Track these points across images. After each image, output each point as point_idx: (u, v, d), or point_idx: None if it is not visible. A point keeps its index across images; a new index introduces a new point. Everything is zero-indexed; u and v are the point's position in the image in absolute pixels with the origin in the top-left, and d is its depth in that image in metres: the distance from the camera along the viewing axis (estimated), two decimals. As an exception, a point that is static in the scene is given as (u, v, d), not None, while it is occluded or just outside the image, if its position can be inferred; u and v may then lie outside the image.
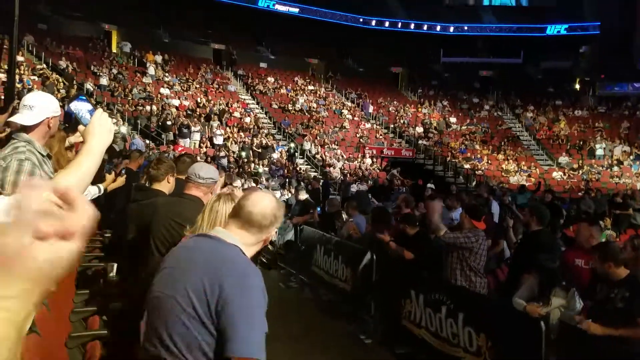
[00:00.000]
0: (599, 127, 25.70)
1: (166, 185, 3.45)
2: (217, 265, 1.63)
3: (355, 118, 25.40)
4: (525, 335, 3.55)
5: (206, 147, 17.69)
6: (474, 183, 19.87)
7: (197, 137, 17.90)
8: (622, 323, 3.24)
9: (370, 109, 26.30)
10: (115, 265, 4.25)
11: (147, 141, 15.90)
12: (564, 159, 23.49)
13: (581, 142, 24.55)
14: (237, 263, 1.65)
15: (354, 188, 15.49)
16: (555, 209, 9.89)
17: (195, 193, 2.94)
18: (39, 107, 2.17)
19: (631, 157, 22.82)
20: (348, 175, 18.63)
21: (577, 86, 30.62)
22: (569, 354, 3.47)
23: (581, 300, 3.59)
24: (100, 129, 1.45)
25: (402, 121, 26.34)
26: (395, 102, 28.37)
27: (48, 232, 0.56)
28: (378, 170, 20.55)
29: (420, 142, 24.44)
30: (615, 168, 22.21)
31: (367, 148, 22.30)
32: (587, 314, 3.45)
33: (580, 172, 22.21)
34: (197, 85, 22.86)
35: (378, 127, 25.26)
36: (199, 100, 21.25)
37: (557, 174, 22.15)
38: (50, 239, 0.56)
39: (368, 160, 21.28)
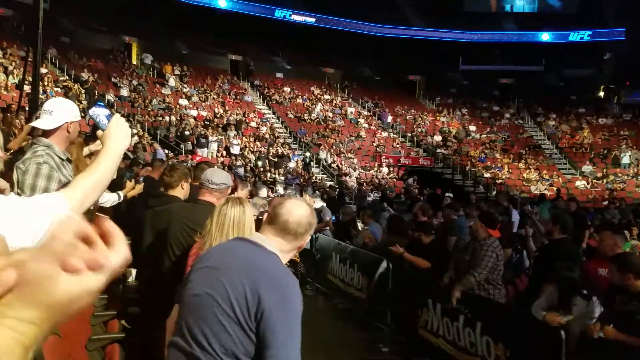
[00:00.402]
0: (624, 135, 25.09)
1: (181, 192, 3.49)
2: (259, 273, 1.66)
3: (372, 127, 25.37)
4: (545, 344, 3.47)
5: (223, 156, 17.87)
6: (494, 192, 19.58)
7: (214, 146, 18.11)
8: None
9: (389, 118, 26.19)
10: (135, 270, 4.31)
11: (166, 151, 16.14)
12: (587, 168, 22.97)
13: (605, 151, 23.98)
14: (278, 272, 1.69)
15: (370, 197, 15.43)
16: (580, 218, 9.67)
17: (209, 198, 2.97)
18: (57, 111, 2.23)
19: (657, 166, 22.22)
20: (364, 184, 18.57)
21: (601, 94, 30.05)
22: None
23: (602, 309, 3.50)
24: (118, 133, 1.48)
25: (419, 130, 26.19)
26: (412, 111, 28.26)
27: (77, 267, 0.56)
28: (395, 180, 20.44)
29: (438, 150, 24.25)
30: (641, 177, 21.65)
31: (383, 157, 22.22)
32: (603, 320, 3.35)
33: (605, 181, 21.68)
34: (215, 96, 23.18)
35: (395, 135, 25.17)
36: (216, 110, 21.53)
37: (580, 183, 21.67)
38: (79, 273, 0.56)
39: (385, 170, 21.19)
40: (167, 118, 19.02)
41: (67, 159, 2.39)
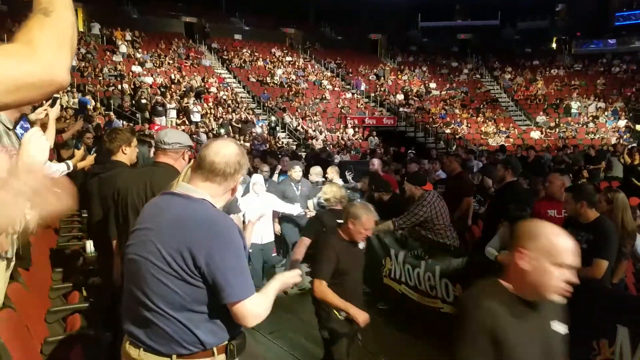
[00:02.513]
0: (575, 85, 26.00)
1: (123, 157, 3.40)
2: (190, 224, 1.62)
3: (336, 88, 25.18)
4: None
5: (184, 124, 17.41)
6: (454, 147, 20.02)
7: (173, 114, 17.58)
8: (584, 264, 3.37)
9: (362, 86, 25.80)
10: (91, 242, 4.22)
11: (122, 121, 15.57)
12: (541, 119, 23.80)
13: (558, 101, 24.86)
14: (209, 218, 1.65)
15: (337, 159, 15.46)
16: (537, 166, 10.10)
17: (164, 160, 2.90)
18: None
19: (606, 113, 23.20)
20: (330, 146, 18.58)
21: (554, 45, 30.72)
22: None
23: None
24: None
25: (382, 89, 26.21)
26: (375, 70, 28.16)
27: None
28: (361, 140, 20.54)
29: (401, 109, 24.42)
30: (591, 125, 22.60)
31: (348, 118, 22.20)
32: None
33: (557, 130, 22.57)
34: (170, 61, 22.30)
35: (359, 96, 25.11)
36: (172, 76, 20.78)
37: (535, 134, 22.44)
38: None
39: (350, 131, 21.22)
40: (120, 87, 18.25)
41: (14, 129, 2.29)
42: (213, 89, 21.17)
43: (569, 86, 26.09)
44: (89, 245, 4.33)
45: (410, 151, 14.55)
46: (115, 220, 2.93)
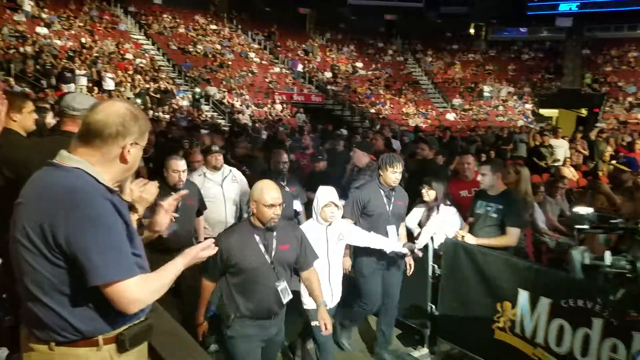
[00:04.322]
0: (489, 69, 27.76)
1: (13, 124, 3.01)
2: (53, 196, 1.42)
3: (264, 62, 24.66)
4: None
5: (96, 93, 16.19)
6: (377, 127, 20.59)
7: (83, 81, 16.21)
8: (496, 232, 3.68)
9: (299, 67, 25.25)
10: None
11: (24, 87, 14.13)
12: (457, 101, 25.22)
13: (473, 85, 26.40)
14: (74, 188, 1.43)
15: (264, 135, 15.26)
16: (452, 146, 10.67)
17: (72, 128, 2.66)
18: None
19: (515, 97, 25.07)
20: (257, 121, 18.26)
21: (472, 31, 32.32)
22: (453, 264, 3.85)
23: (462, 220, 3.99)
24: None
25: (311, 66, 26.10)
26: (303, 46, 27.92)
27: None
28: (289, 117, 20.41)
29: (329, 87, 24.54)
30: (501, 108, 24.31)
31: (276, 94, 21.91)
32: (469, 229, 3.85)
33: (471, 112, 24.03)
34: (81, 24, 20.48)
35: (287, 71, 24.81)
36: (83, 40, 19.13)
37: (451, 115, 23.73)
38: None
39: (278, 106, 20.98)
40: (22, 49, 16.49)
41: None
42: (129, 56, 19.83)
43: (484, 71, 27.80)
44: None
45: (342, 130, 14.74)
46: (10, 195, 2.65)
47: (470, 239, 3.70)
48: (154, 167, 6.05)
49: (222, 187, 4.57)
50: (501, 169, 3.93)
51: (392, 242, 3.65)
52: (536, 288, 3.32)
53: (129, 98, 16.56)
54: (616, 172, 5.34)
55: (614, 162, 7.26)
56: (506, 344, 3.52)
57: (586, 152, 10.35)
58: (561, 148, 9.63)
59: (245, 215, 4.57)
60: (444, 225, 3.96)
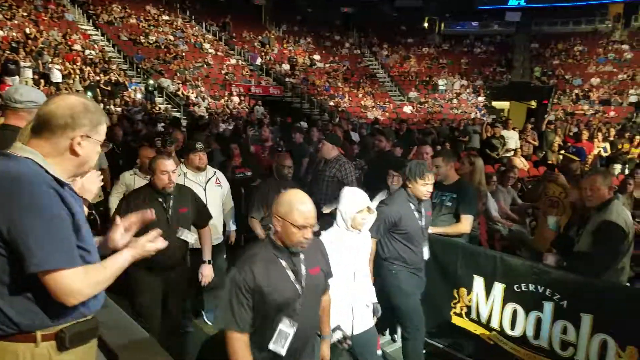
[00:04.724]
0: (442, 63, 28.43)
1: None
2: None
3: (219, 53, 24.15)
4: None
5: (42, 86, 15.37)
6: (337, 119, 20.71)
7: (28, 73, 15.35)
8: (451, 221, 3.80)
9: (259, 60, 24.81)
10: None
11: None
12: (413, 94, 25.72)
13: (428, 78, 26.98)
14: (19, 177, 1.42)
15: (222, 127, 14.98)
16: (410, 138, 10.88)
17: (15, 122, 2.52)
18: None
19: (468, 90, 25.83)
20: (215, 114, 17.90)
21: (426, 25, 32.96)
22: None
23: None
24: None
25: (268, 57, 25.82)
26: (260, 37, 27.56)
27: None
28: (247, 109, 20.13)
29: (287, 79, 24.37)
30: (455, 101, 24.99)
31: (233, 86, 21.53)
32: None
33: (426, 105, 24.59)
34: (25, 14, 19.31)
35: (244, 63, 24.43)
36: (27, 31, 18.08)
37: (407, 108, 24.18)
38: None
39: (235, 99, 20.63)
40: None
41: None
42: (77, 47, 18.93)
43: (438, 64, 28.45)
44: None
45: (302, 122, 14.71)
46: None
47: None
48: (123, 164, 5.83)
49: (205, 191, 4.06)
50: (453, 159, 4.04)
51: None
52: (490, 274, 3.46)
53: (78, 91, 15.83)
54: (566, 161, 5.62)
55: (562, 152, 7.64)
56: (463, 329, 3.67)
57: (536, 143, 10.80)
58: (512, 139, 10.00)
59: (230, 228, 4.33)
60: None
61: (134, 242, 1.69)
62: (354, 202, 2.80)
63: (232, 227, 4.49)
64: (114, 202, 4.27)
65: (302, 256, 2.14)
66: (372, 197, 4.27)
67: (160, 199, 3.29)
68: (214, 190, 4.16)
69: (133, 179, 4.45)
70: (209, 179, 4.18)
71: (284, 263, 2.09)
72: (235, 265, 2.08)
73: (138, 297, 3.28)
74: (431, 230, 3.78)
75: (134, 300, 3.30)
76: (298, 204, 2.04)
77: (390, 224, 3.29)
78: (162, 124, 11.82)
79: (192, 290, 3.91)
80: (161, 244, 1.72)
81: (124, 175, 4.54)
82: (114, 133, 7.24)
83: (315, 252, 2.26)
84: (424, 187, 3.28)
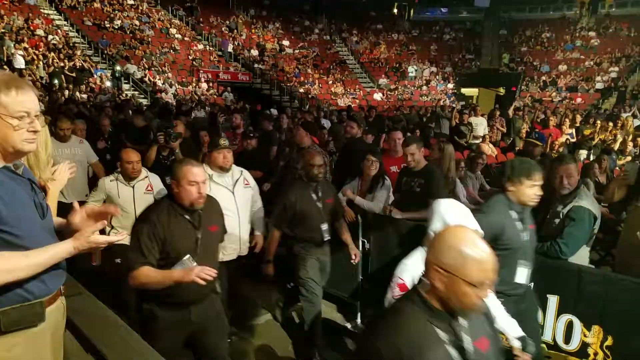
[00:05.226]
0: (412, 50, 28.64)
1: None
2: None
3: (186, 38, 23.65)
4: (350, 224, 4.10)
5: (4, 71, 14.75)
6: (307, 106, 20.69)
7: (-12, 60, 14.77)
8: (419, 206, 3.93)
9: (230, 47, 24.24)
10: None
11: None
12: (383, 81, 25.90)
13: (397, 65, 27.18)
14: None
15: (200, 114, 14.76)
16: (379, 124, 11.03)
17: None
18: None
19: (437, 77, 26.18)
20: (183, 101, 17.60)
21: (395, 11, 33.08)
22: (382, 234, 4.10)
23: (392, 194, 4.23)
24: None
25: (236, 43, 25.43)
26: (227, 22, 27.09)
27: None
28: (216, 96, 19.87)
29: (256, 65, 24.11)
30: (425, 87, 25.32)
31: (201, 72, 21.17)
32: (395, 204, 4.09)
33: (396, 92, 24.82)
34: (-19, -3, 18.45)
35: (212, 49, 24.01)
36: (-15, 14, 17.29)
37: (377, 95, 24.36)
38: None
39: (204, 85, 20.32)
40: None
41: None
42: (40, 32, 18.21)
43: (407, 51, 28.66)
44: None
45: (272, 109, 14.63)
46: None
47: (397, 213, 3.93)
48: (111, 159, 5.50)
49: (233, 195, 3.47)
50: (422, 144, 4.17)
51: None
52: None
53: (41, 77, 15.30)
54: (527, 145, 5.86)
55: (524, 137, 7.92)
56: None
57: (504, 129, 11.07)
58: (480, 125, 10.20)
59: (258, 231, 3.75)
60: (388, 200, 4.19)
61: (78, 233, 1.57)
62: (455, 218, 2.24)
63: (260, 229, 3.75)
64: None
65: (464, 323, 1.50)
66: (342, 184, 4.40)
67: (188, 217, 2.49)
68: (243, 192, 3.55)
69: (115, 186, 3.80)
70: (237, 180, 3.54)
71: (441, 334, 1.47)
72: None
73: (156, 343, 2.32)
74: (400, 215, 3.89)
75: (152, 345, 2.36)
76: (472, 251, 1.44)
77: (489, 238, 2.34)
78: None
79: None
80: (115, 238, 1.63)
81: (103, 180, 3.91)
82: (100, 124, 6.75)
83: (478, 318, 1.59)
84: (531, 190, 2.57)
